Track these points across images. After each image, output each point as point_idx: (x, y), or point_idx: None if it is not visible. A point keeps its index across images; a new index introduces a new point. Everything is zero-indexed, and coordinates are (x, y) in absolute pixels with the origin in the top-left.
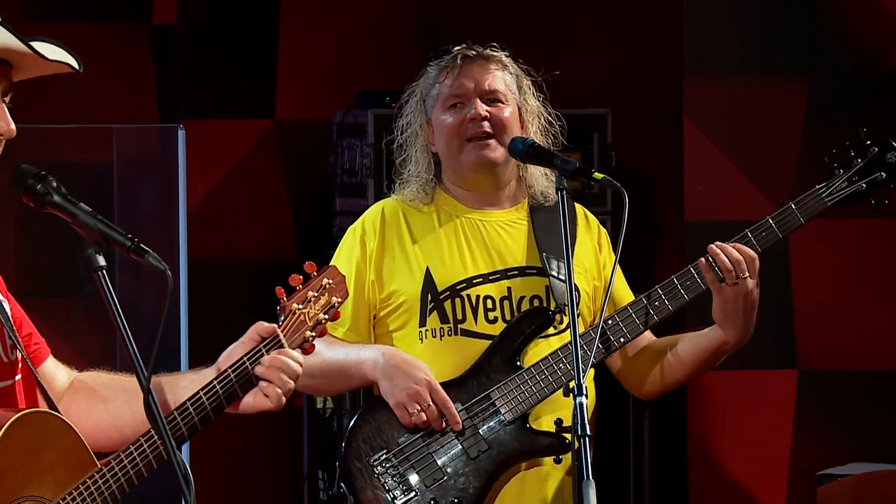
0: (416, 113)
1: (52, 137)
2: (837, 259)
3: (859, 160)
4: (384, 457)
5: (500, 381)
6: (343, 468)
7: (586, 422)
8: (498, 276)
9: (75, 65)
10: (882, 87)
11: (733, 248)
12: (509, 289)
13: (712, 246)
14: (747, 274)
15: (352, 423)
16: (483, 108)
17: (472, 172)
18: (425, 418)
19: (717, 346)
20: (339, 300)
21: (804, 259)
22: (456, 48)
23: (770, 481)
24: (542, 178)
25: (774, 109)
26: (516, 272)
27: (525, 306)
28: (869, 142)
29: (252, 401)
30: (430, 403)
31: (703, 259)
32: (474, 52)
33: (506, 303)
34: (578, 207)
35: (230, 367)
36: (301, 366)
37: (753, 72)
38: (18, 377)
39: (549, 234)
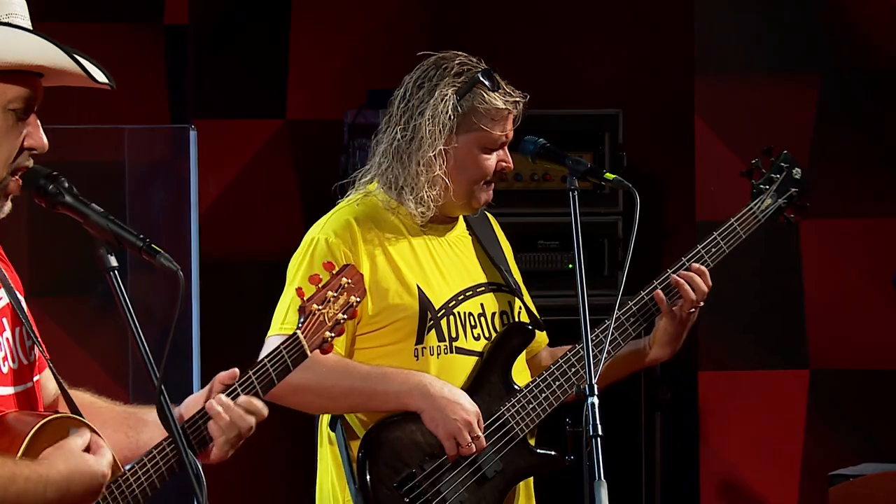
0: (448, 123)
1: (64, 138)
2: (848, 259)
3: (776, 176)
4: (412, 482)
5: (505, 398)
6: (367, 493)
7: (598, 422)
8: (471, 292)
9: (111, 85)
10: (892, 84)
11: (698, 278)
12: (482, 305)
13: (677, 278)
14: (703, 303)
15: (366, 448)
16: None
17: (470, 209)
18: (475, 449)
19: (648, 364)
20: (358, 299)
21: (815, 259)
22: (506, 87)
23: (782, 481)
24: None
25: (785, 108)
26: (483, 288)
27: (497, 322)
28: (775, 159)
29: (215, 453)
30: (479, 434)
31: (658, 292)
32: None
33: (482, 319)
34: (490, 217)
35: (187, 421)
36: (259, 415)
37: (764, 71)
38: (37, 378)
39: (494, 247)
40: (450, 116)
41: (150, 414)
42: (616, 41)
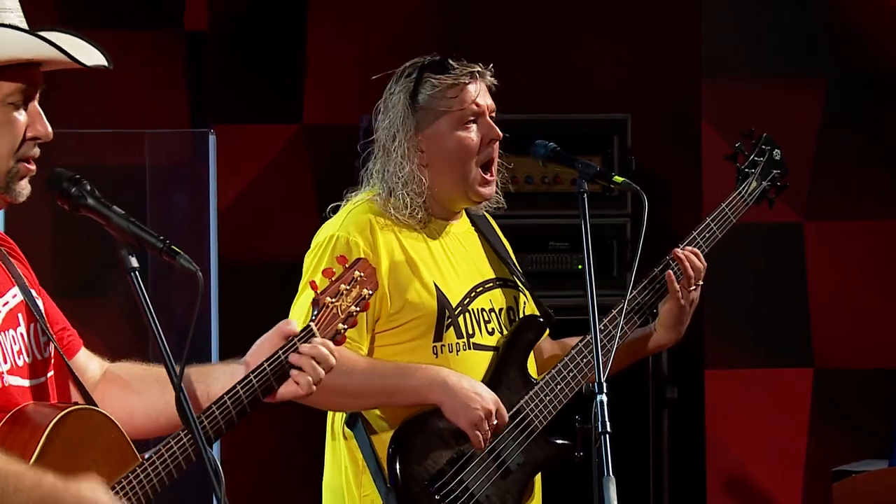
0: (404, 124)
1: (86, 142)
2: (852, 258)
3: (760, 160)
4: (441, 479)
5: (523, 391)
6: (399, 492)
7: (606, 419)
8: (481, 288)
9: (106, 63)
10: None
11: (694, 255)
12: (491, 300)
13: (677, 251)
14: (702, 280)
15: (395, 446)
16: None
17: (470, 202)
18: (496, 428)
19: (654, 350)
20: (370, 292)
21: (819, 259)
22: (458, 65)
23: (786, 477)
24: None
25: (791, 111)
26: (491, 284)
27: (503, 317)
28: (756, 141)
29: (284, 390)
30: (502, 413)
31: (669, 271)
32: (487, 72)
33: (493, 314)
34: (488, 216)
35: (266, 360)
36: (335, 357)
37: (771, 74)
38: (51, 374)
39: (498, 243)
40: (403, 117)
41: (214, 368)
42: (623, 44)
